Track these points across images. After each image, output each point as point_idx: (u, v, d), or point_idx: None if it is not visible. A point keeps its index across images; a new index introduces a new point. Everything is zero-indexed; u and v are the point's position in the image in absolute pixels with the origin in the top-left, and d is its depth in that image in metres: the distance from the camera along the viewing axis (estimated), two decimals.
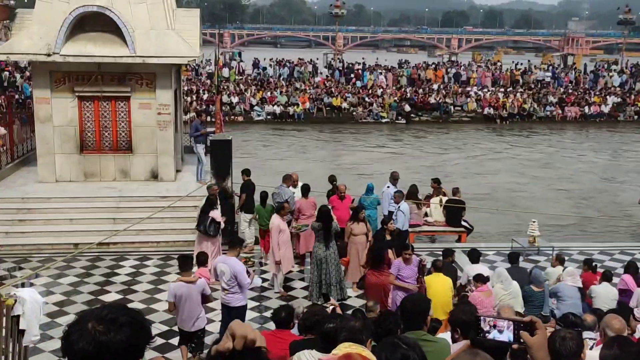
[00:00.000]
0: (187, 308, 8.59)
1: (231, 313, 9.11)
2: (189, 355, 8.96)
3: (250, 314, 10.37)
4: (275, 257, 11.63)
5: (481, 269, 10.26)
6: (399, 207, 13.44)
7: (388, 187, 14.24)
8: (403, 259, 9.68)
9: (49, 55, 15.13)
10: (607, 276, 10.78)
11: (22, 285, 10.96)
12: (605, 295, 10.32)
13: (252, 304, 10.85)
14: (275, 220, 11.70)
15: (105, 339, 1.93)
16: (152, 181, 16.42)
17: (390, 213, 13.50)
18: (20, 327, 7.29)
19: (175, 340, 9.55)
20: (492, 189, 22.40)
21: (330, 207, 12.22)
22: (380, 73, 43.61)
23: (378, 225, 12.94)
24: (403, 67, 45.94)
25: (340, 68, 45.83)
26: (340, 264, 11.51)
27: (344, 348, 3.09)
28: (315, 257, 11.35)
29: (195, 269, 9.97)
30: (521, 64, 50.23)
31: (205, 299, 8.81)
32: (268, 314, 10.21)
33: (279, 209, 11.90)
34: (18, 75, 36.32)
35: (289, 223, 12.83)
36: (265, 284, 12.27)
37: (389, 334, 4.83)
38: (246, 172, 14.33)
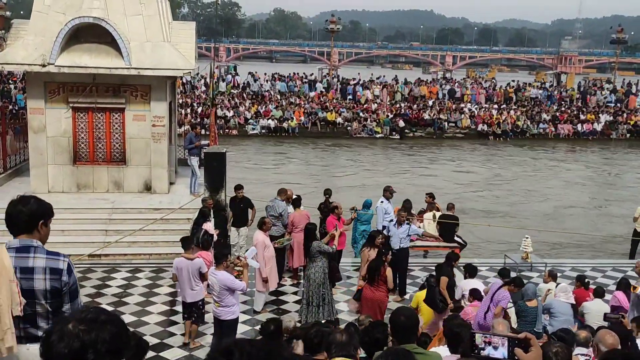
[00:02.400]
0: (185, 280, 9.96)
1: (222, 326, 9.08)
2: (192, 326, 10.06)
3: (242, 327, 10.30)
4: (262, 274, 11.35)
5: (476, 284, 10.24)
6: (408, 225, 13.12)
7: (382, 202, 14.18)
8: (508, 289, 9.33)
9: (44, 65, 15.12)
10: (599, 293, 10.79)
11: None
12: (597, 311, 10.31)
13: (243, 317, 10.78)
14: (259, 236, 11.43)
15: (88, 338, 1.90)
16: (146, 193, 16.36)
17: (384, 228, 13.43)
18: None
19: (167, 353, 9.53)
20: (485, 205, 22.42)
21: (314, 225, 12.09)
22: (368, 89, 43.64)
23: None
24: (398, 83, 46.09)
25: (336, 83, 45.99)
26: (327, 284, 11.02)
27: None
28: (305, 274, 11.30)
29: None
30: (513, 81, 50.54)
31: (202, 276, 10.01)
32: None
33: (261, 225, 11.68)
34: (12, 86, 36.29)
35: (282, 235, 12.81)
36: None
37: (377, 342, 4.81)
38: (238, 187, 14.29)
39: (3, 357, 4.14)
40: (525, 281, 12.39)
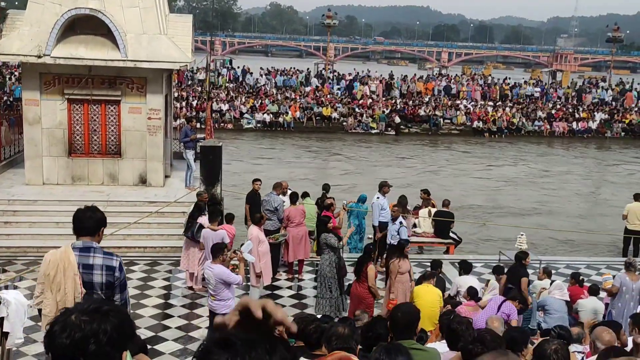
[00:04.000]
0: (209, 248, 10.48)
1: None
2: None
3: None
4: (256, 269, 11.30)
5: (471, 280, 10.25)
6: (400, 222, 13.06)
7: (378, 197, 14.14)
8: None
9: (39, 57, 15.03)
10: (593, 290, 10.82)
11: (6, 287, 10.81)
12: (591, 309, 10.35)
13: None
14: (254, 231, 11.41)
15: (90, 329, 1.89)
16: (141, 186, 16.31)
17: (381, 224, 13.44)
18: (4, 330, 7.18)
19: (161, 347, 9.57)
20: (482, 201, 22.46)
21: (328, 218, 11.99)
22: (364, 84, 43.68)
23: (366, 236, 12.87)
24: (394, 79, 46.13)
25: (331, 78, 46.01)
26: (335, 278, 10.80)
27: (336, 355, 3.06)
28: None
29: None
30: (509, 78, 50.59)
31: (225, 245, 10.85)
32: None
33: (259, 220, 11.65)
34: (7, 77, 36.11)
35: (278, 230, 12.79)
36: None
37: (379, 338, 4.81)
38: (256, 180, 14.34)
39: None
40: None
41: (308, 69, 49.12)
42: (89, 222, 5.20)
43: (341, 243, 11.09)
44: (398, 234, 12.66)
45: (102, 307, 1.97)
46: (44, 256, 5.37)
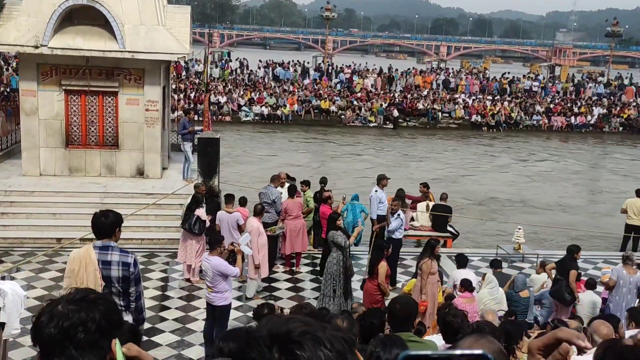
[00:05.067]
0: (225, 230, 11.89)
1: (215, 312, 9.09)
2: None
3: (234, 314, 10.29)
4: (255, 261, 11.33)
5: (468, 274, 10.27)
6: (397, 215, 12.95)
7: (376, 190, 14.04)
8: None
9: (36, 47, 14.96)
10: (591, 284, 10.85)
11: (3, 278, 10.79)
12: (588, 303, 10.38)
13: (236, 303, 10.77)
14: (254, 223, 11.44)
15: (78, 317, 1.87)
16: (138, 178, 16.29)
17: (379, 217, 13.41)
18: (1, 320, 7.17)
19: (158, 338, 9.68)
20: (478, 195, 22.47)
21: (337, 215, 11.60)
22: (363, 77, 43.59)
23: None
24: (393, 72, 46.07)
25: (330, 71, 45.96)
26: (340, 277, 10.59)
27: None
28: None
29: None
30: (509, 72, 50.55)
31: (239, 227, 12.02)
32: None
33: (260, 212, 11.69)
34: (5, 67, 35.97)
35: (275, 223, 12.77)
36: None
37: (372, 327, 4.81)
38: (306, 184, 14.34)
39: None
40: (516, 272, 12.49)
41: (306, 61, 49.01)
42: (103, 226, 6.10)
43: (348, 242, 10.86)
44: (400, 228, 12.66)
45: (89, 295, 1.95)
46: (70, 254, 6.36)
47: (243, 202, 13.14)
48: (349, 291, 10.84)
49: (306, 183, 14.38)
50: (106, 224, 6.10)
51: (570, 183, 25.93)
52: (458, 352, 1.27)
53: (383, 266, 9.87)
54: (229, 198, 12.46)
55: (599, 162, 31.69)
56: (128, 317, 6.29)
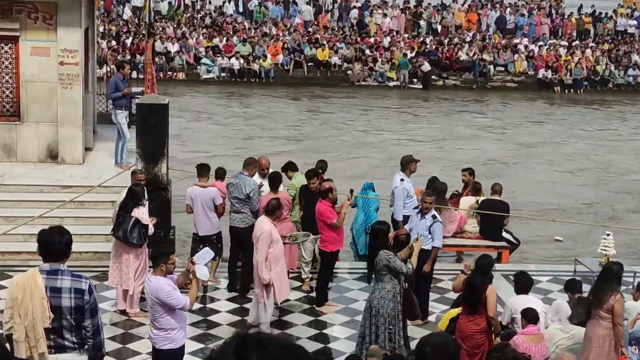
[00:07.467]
0: (199, 211, 12.97)
1: (159, 357, 9.05)
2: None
3: None
4: (264, 278, 11.35)
5: (532, 301, 10.28)
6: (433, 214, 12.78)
7: (402, 180, 13.85)
8: None
9: None
10: None
11: None
12: None
13: (193, 345, 10.76)
14: (266, 226, 11.44)
15: None
16: (49, 163, 16.30)
17: (405, 218, 13.31)
18: None
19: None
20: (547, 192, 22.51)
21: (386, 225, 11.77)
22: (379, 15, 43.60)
23: None
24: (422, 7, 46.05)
25: (332, 6, 45.95)
26: (398, 318, 10.65)
27: None
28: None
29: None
30: (593, 6, 50.46)
31: (216, 208, 13.06)
32: None
33: (274, 210, 11.66)
34: None
35: (249, 226, 12.71)
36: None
37: None
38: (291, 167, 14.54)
39: None
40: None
41: None
42: (58, 247, 6.80)
43: (410, 267, 10.76)
44: (430, 234, 12.43)
45: None
46: (11, 279, 7.31)
47: (221, 174, 13.96)
48: (407, 336, 10.92)
49: (292, 167, 14.37)
50: (62, 244, 6.81)
51: None
52: None
53: (492, 291, 9.92)
54: (203, 169, 13.37)
55: None
56: (83, 357, 7.04)
